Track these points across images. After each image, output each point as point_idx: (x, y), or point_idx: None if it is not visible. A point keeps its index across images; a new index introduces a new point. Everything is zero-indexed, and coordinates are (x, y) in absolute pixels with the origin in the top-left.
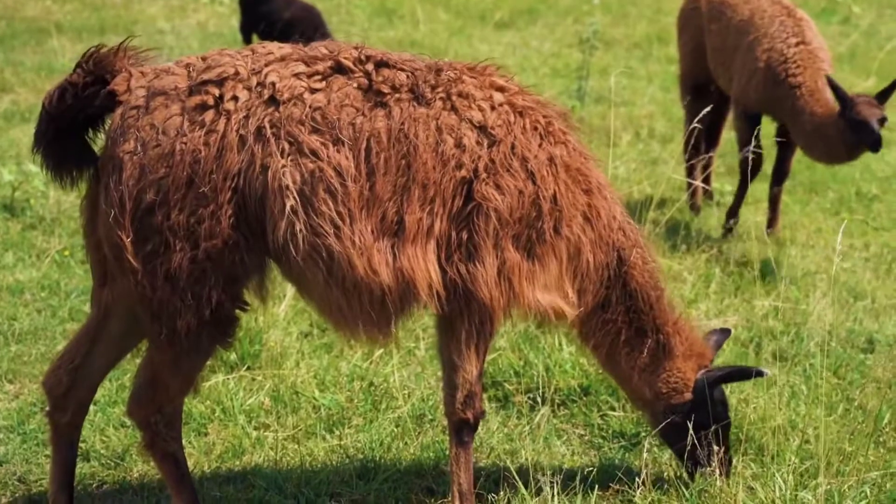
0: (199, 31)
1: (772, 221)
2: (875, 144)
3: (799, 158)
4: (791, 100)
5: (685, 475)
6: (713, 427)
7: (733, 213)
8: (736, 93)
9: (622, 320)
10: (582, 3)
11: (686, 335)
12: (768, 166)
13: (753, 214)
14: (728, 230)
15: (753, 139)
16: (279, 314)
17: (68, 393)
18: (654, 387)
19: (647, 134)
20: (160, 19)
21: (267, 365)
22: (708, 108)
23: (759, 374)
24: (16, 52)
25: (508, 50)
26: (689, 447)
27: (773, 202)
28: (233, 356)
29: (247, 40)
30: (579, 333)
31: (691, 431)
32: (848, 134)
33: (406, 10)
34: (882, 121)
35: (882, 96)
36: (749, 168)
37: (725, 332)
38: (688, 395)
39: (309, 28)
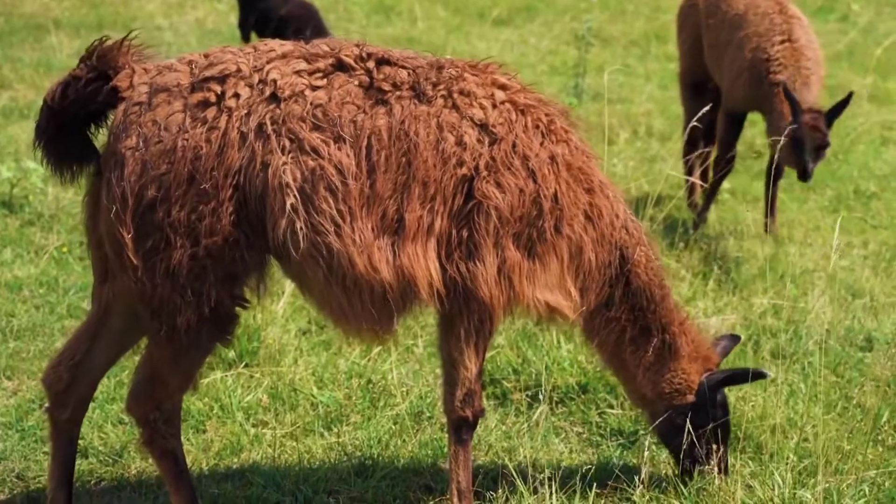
0: (198, 27)
1: (769, 220)
2: (802, 175)
3: None
4: (770, 98)
5: (681, 475)
6: (714, 430)
7: (704, 209)
8: (724, 89)
9: (626, 318)
10: (580, 1)
11: (692, 337)
12: (765, 164)
13: (752, 212)
14: (696, 226)
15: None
16: (277, 311)
17: (68, 389)
18: (657, 386)
19: (644, 132)
20: (158, 16)
21: (265, 362)
22: (707, 108)
23: (761, 375)
24: (14, 48)
25: (506, 47)
26: (686, 448)
27: (770, 200)
28: (231, 353)
29: (245, 37)
30: (584, 331)
31: (691, 433)
32: (789, 146)
33: (404, 7)
34: (821, 148)
35: (832, 114)
36: (722, 172)
37: (735, 339)
38: (690, 397)
39: (306, 25)
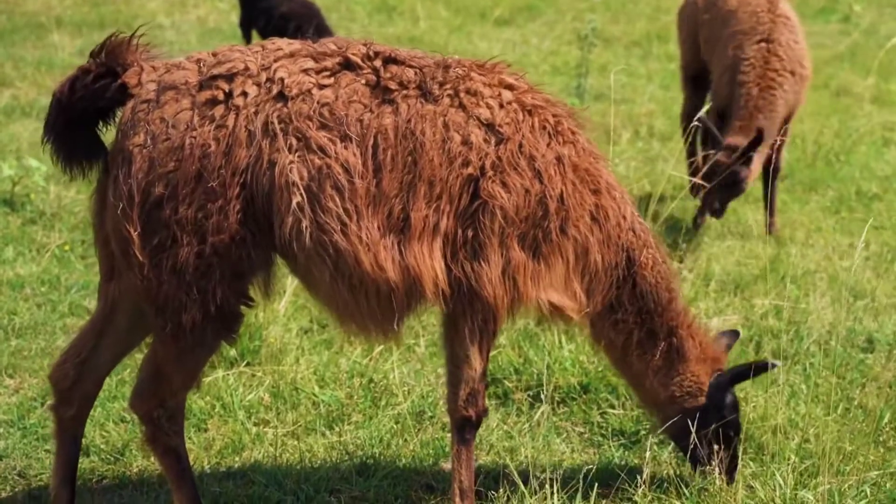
0: (199, 26)
1: (770, 220)
2: (710, 212)
3: (798, 157)
4: (736, 100)
5: (697, 477)
6: (728, 432)
7: (703, 209)
8: (712, 87)
9: (633, 321)
10: (581, 1)
11: (700, 339)
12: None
13: (753, 213)
14: (697, 225)
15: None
16: (279, 310)
17: (74, 387)
18: (667, 390)
19: (646, 132)
20: (160, 14)
21: (267, 361)
22: (706, 109)
23: (767, 367)
24: (16, 46)
25: (508, 47)
26: (706, 451)
27: (770, 200)
28: (232, 352)
29: (246, 36)
30: (591, 334)
31: (710, 435)
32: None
33: (406, 7)
34: (733, 185)
35: (749, 149)
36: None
37: (734, 335)
38: (702, 400)
39: (308, 23)
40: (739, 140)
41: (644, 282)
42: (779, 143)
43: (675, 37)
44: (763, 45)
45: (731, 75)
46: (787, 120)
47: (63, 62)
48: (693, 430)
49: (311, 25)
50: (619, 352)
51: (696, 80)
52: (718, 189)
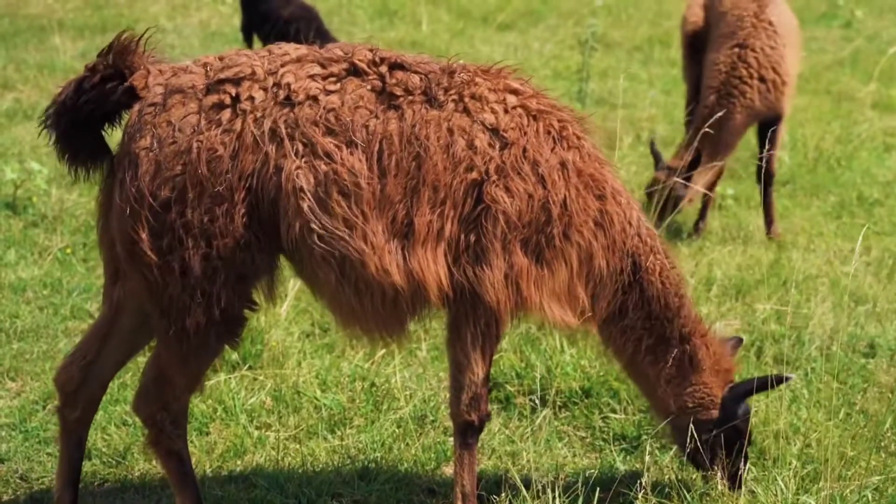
0: (201, 29)
1: (769, 224)
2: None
3: (800, 162)
4: (698, 106)
5: (698, 482)
6: (743, 443)
7: (702, 215)
8: (701, 90)
9: (642, 327)
10: (583, 6)
11: (714, 349)
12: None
13: (755, 218)
14: (699, 230)
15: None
16: (281, 314)
17: (79, 389)
18: (679, 400)
19: (648, 137)
20: (162, 18)
21: (269, 365)
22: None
23: (783, 379)
24: (18, 49)
25: (510, 51)
26: (716, 460)
27: (766, 205)
28: (234, 356)
29: (248, 40)
30: (600, 339)
31: (723, 447)
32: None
33: (408, 11)
34: (666, 213)
35: (691, 167)
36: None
37: (738, 342)
38: (715, 413)
39: (307, 27)
40: (679, 162)
41: (651, 287)
42: (769, 149)
43: (677, 41)
44: (735, 50)
45: (710, 81)
46: (768, 125)
47: (65, 65)
48: (702, 441)
49: (310, 29)
50: (628, 357)
51: (694, 44)
52: (654, 205)
